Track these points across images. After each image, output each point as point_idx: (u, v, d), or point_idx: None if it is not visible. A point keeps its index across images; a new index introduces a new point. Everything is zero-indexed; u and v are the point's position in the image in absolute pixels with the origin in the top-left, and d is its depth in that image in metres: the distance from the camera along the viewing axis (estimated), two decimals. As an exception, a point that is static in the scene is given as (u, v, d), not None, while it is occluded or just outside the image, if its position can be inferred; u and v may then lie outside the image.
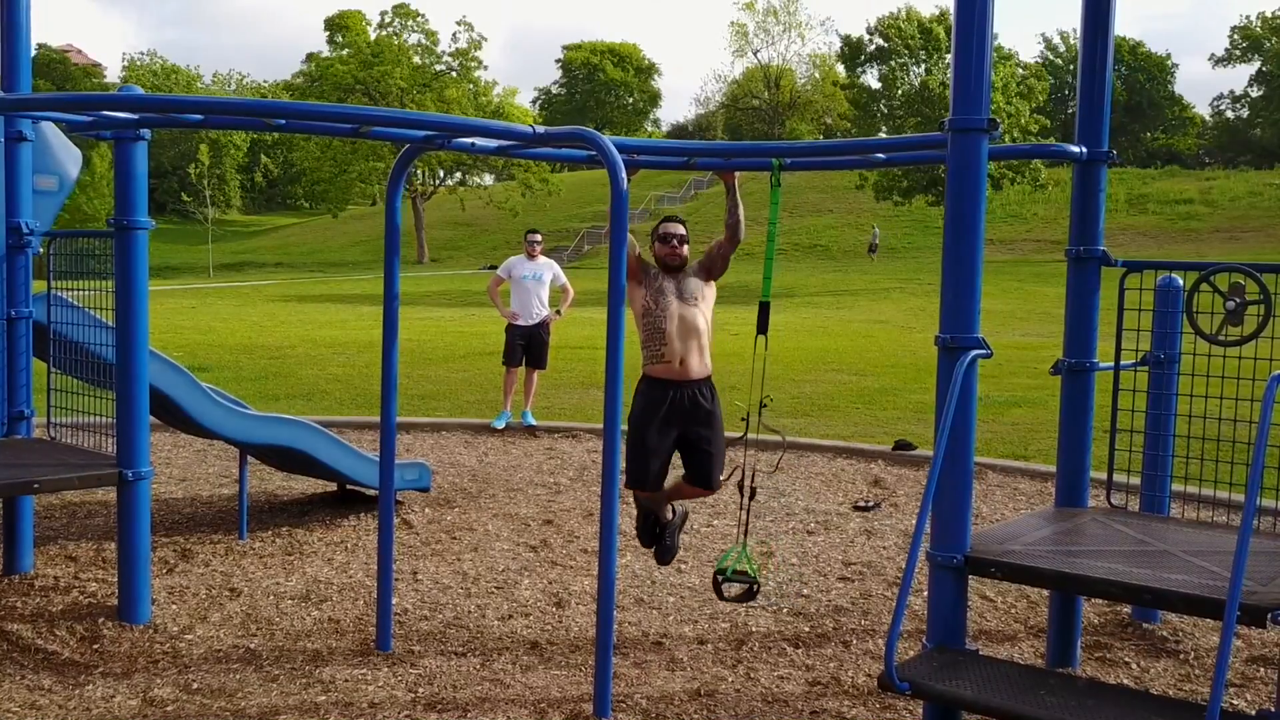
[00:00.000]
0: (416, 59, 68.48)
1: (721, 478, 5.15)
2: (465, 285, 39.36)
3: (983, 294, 3.91)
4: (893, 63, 51.91)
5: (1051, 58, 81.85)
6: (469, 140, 5.08)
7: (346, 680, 4.69)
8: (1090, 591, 4.10)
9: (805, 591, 5.97)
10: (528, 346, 11.13)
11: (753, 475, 4.90)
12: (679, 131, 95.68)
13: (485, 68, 75.93)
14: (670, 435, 4.98)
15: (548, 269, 11.30)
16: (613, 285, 4.34)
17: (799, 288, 36.25)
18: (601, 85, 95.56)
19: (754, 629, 5.38)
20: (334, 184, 65.68)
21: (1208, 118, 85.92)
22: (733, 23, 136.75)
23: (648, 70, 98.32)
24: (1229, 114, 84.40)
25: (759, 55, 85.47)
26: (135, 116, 4.96)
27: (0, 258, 5.79)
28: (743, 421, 4.87)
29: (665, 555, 5.41)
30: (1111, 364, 4.90)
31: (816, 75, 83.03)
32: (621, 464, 4.59)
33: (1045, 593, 5.44)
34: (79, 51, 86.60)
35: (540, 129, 4.69)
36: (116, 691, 4.53)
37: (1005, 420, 11.38)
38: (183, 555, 6.49)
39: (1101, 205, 4.81)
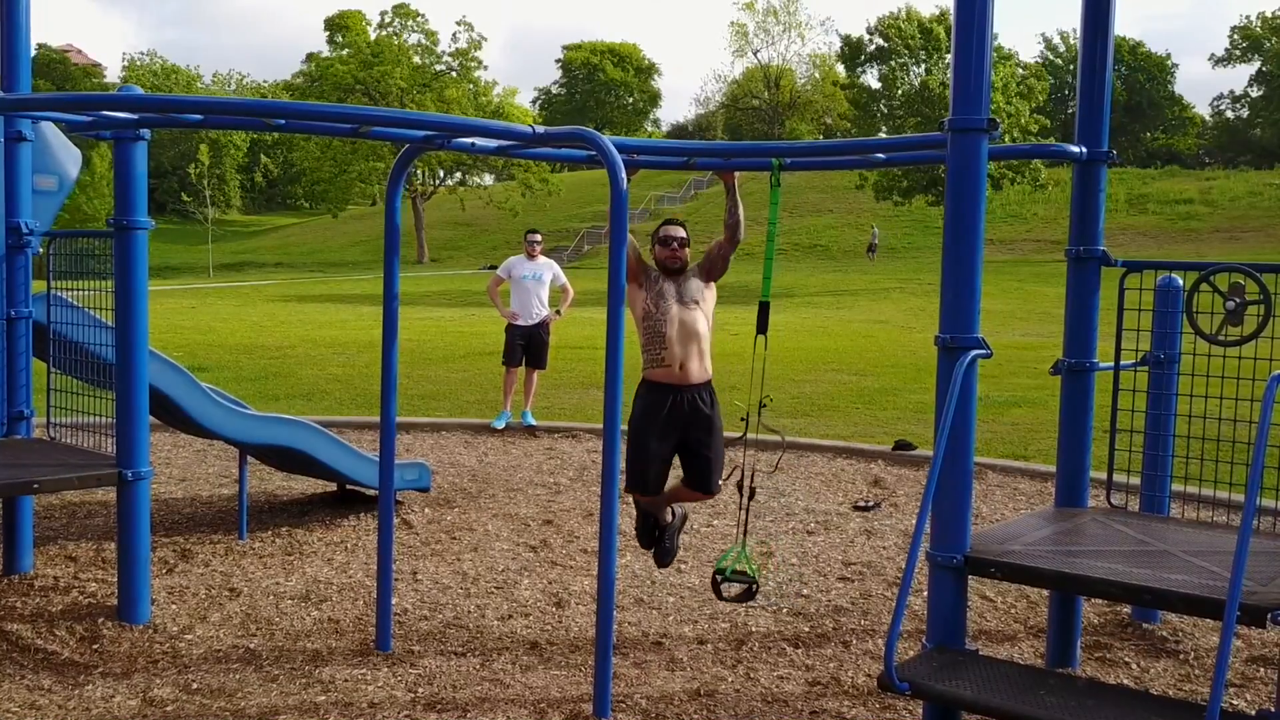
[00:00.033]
0: (416, 59, 68.51)
1: (721, 479, 5.15)
2: (465, 285, 39.36)
3: (983, 294, 3.91)
4: (893, 63, 51.93)
5: (1051, 58, 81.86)
6: (469, 140, 5.08)
7: (346, 680, 4.69)
8: (1090, 591, 4.10)
9: (805, 591, 5.97)
10: (527, 346, 11.13)
11: (752, 475, 4.90)
12: (679, 131, 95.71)
13: (485, 68, 76.01)
14: (670, 440, 4.98)
15: (548, 269, 11.30)
16: (613, 285, 4.34)
17: (799, 288, 36.25)
18: (601, 85, 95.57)
19: (754, 629, 5.38)
20: (334, 184, 65.70)
21: (1208, 118, 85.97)
22: (733, 23, 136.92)
23: (648, 70, 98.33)
24: (1229, 114, 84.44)
25: (759, 55, 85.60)
26: (135, 116, 4.96)
27: (0, 258, 5.79)
28: (742, 421, 4.87)
29: (665, 557, 5.41)
30: (1111, 364, 4.90)
31: (816, 75, 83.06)
32: (621, 464, 4.59)
33: (1045, 593, 5.44)
34: (79, 51, 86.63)
35: (540, 129, 4.69)
36: (116, 691, 4.53)
37: (1005, 420, 11.38)
38: (182, 555, 6.49)
39: (1101, 205, 4.81)
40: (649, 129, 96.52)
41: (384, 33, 69.29)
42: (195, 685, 4.61)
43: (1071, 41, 79.87)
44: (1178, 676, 4.82)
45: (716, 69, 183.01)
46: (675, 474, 5.19)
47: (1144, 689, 4.62)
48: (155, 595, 5.61)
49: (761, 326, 5.01)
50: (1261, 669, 4.86)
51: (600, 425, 4.50)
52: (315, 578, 6.12)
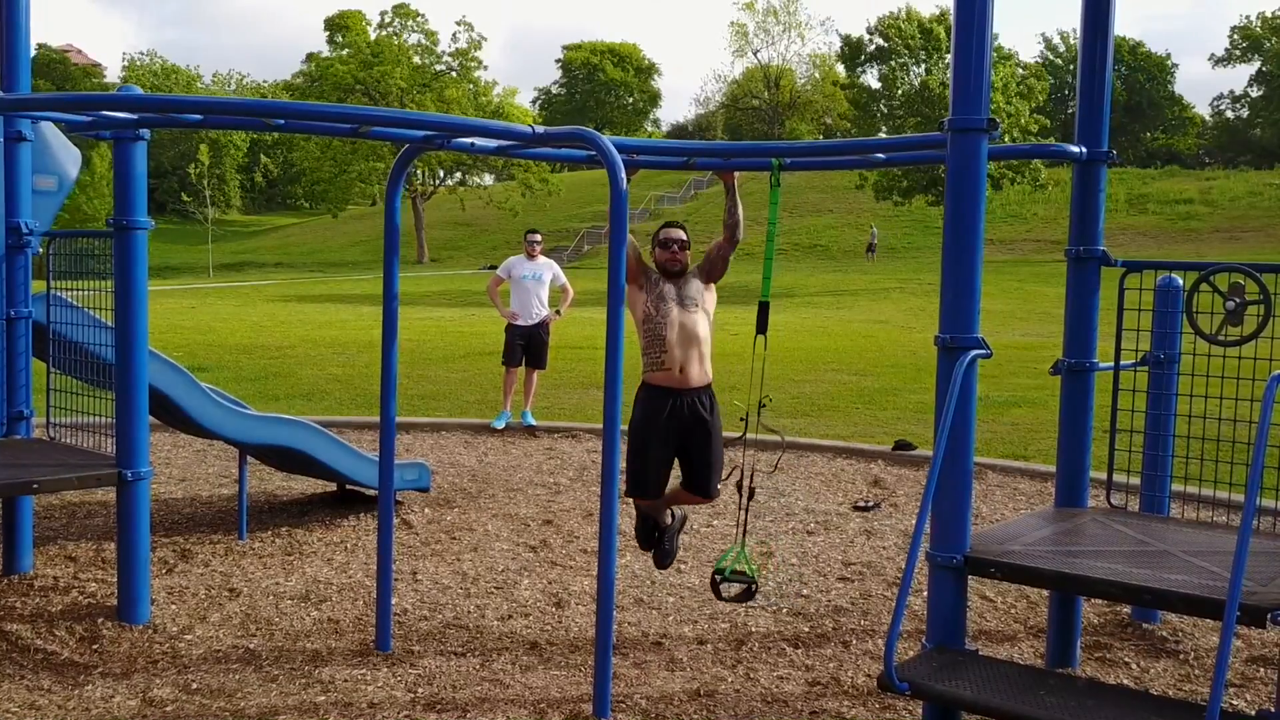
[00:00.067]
0: (416, 59, 68.51)
1: (721, 479, 5.15)
2: (465, 285, 39.36)
3: (983, 294, 3.91)
4: (893, 63, 51.93)
5: (1051, 58, 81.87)
6: (468, 140, 5.08)
7: (346, 680, 4.69)
8: (1090, 592, 4.10)
9: (805, 592, 5.97)
10: (527, 346, 11.13)
11: (752, 475, 4.90)
12: (679, 131, 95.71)
13: (485, 68, 75.99)
14: (670, 445, 4.97)
15: (547, 269, 11.30)
16: (612, 285, 4.34)
17: (799, 288, 36.25)
18: (601, 85, 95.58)
19: (753, 629, 5.38)
20: (334, 184, 65.70)
21: (1208, 118, 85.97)
22: (733, 23, 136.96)
23: (648, 70, 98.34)
24: (1229, 114, 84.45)
25: (759, 55, 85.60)
26: (134, 116, 4.96)
27: (0, 257, 5.79)
28: (742, 421, 4.86)
29: (664, 559, 5.41)
30: (1111, 364, 4.90)
31: (816, 75, 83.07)
32: (621, 464, 4.59)
33: (1045, 593, 5.44)
34: (79, 51, 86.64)
35: (540, 129, 4.69)
36: (116, 692, 4.53)
37: (1005, 420, 11.38)
38: (182, 555, 6.48)
39: (1101, 205, 4.81)
40: (649, 129, 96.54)
41: (384, 33, 69.30)
42: (195, 685, 4.61)
43: (1071, 41, 79.88)
44: (1178, 676, 4.82)
45: (716, 69, 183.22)
46: (675, 476, 5.19)
47: (1144, 689, 4.62)
48: (155, 595, 5.61)
49: (761, 326, 5.01)
50: (1261, 669, 4.86)
51: (600, 425, 4.49)
52: (315, 578, 6.12)
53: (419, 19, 69.80)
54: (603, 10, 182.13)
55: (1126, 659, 4.99)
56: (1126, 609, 5.56)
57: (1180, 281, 5.18)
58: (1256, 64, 79.60)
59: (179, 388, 6.25)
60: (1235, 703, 4.51)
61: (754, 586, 4.96)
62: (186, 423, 6.67)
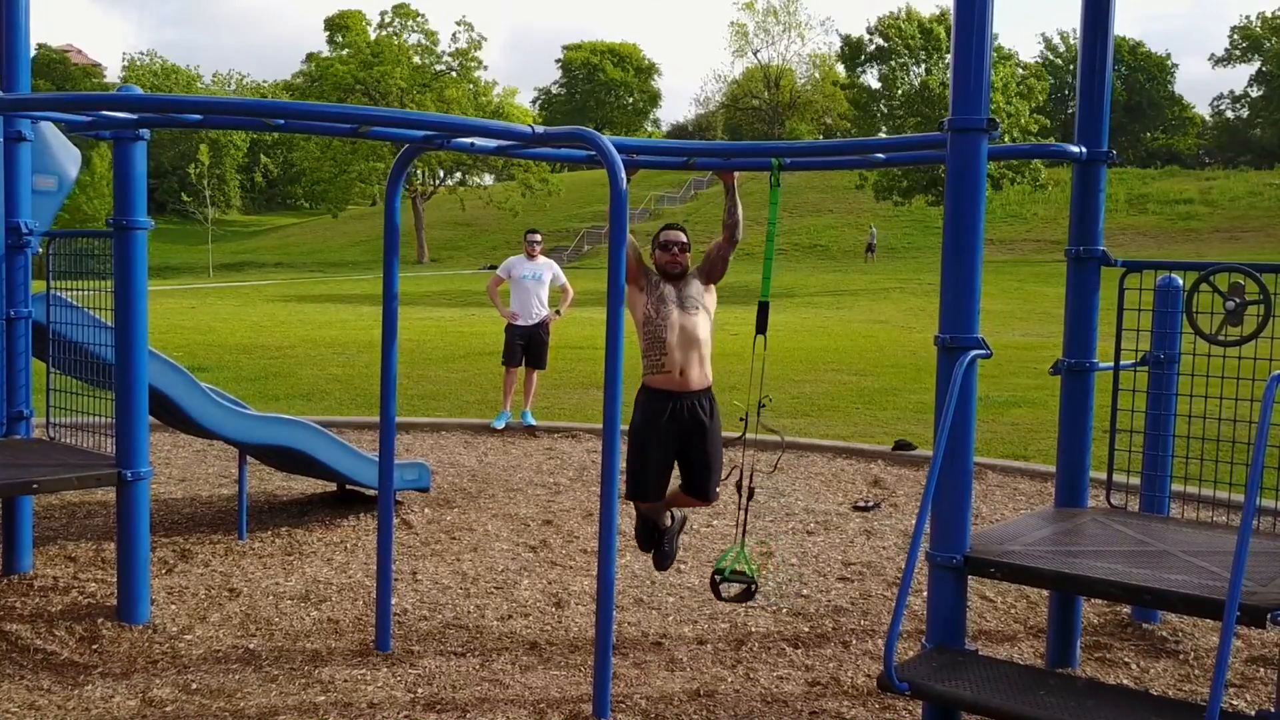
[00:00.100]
0: (416, 59, 68.51)
1: (721, 479, 5.14)
2: (465, 285, 39.36)
3: (983, 294, 3.91)
4: (893, 63, 51.92)
5: (1051, 58, 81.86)
6: (468, 140, 5.08)
7: (346, 680, 4.69)
8: (1090, 592, 4.10)
9: (805, 592, 5.97)
10: (527, 346, 11.13)
11: (751, 475, 4.90)
12: (679, 131, 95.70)
13: (485, 68, 75.97)
14: (670, 448, 4.96)
15: (547, 269, 11.30)
16: (612, 285, 4.34)
17: (799, 288, 36.24)
18: (601, 85, 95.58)
19: (753, 629, 5.38)
20: (334, 184, 65.70)
21: (1208, 118, 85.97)
22: (733, 23, 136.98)
23: (648, 70, 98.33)
24: (1229, 114, 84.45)
25: (759, 55, 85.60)
26: (134, 116, 4.96)
27: (0, 257, 5.79)
28: (741, 421, 4.86)
29: (664, 561, 5.41)
30: (1111, 364, 4.90)
31: (816, 75, 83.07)
32: (621, 465, 4.59)
33: (1045, 593, 5.44)
34: (79, 51, 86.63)
35: (539, 129, 4.69)
36: (115, 692, 4.53)
37: (1005, 420, 11.38)
38: (182, 555, 6.48)
39: (1101, 205, 4.81)
40: (649, 129, 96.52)
41: (384, 33, 69.29)
42: (195, 685, 4.61)
43: (1071, 41, 79.88)
44: (1178, 676, 4.82)
45: (716, 69, 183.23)
46: (675, 478, 5.18)
47: (1144, 689, 4.62)
48: (155, 595, 5.61)
49: (761, 326, 5.00)
50: (1261, 669, 4.86)
51: (600, 425, 4.49)
52: (315, 578, 6.12)
53: (419, 19, 69.82)
54: (603, 10, 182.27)
55: (1126, 659, 4.99)
56: (1126, 609, 5.56)
57: (1180, 281, 5.18)
58: (1256, 64, 79.61)
59: (179, 388, 6.25)
60: (1235, 703, 4.51)
61: (754, 586, 4.96)
62: (186, 423, 6.67)
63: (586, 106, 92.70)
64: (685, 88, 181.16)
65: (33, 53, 6.32)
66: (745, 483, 4.89)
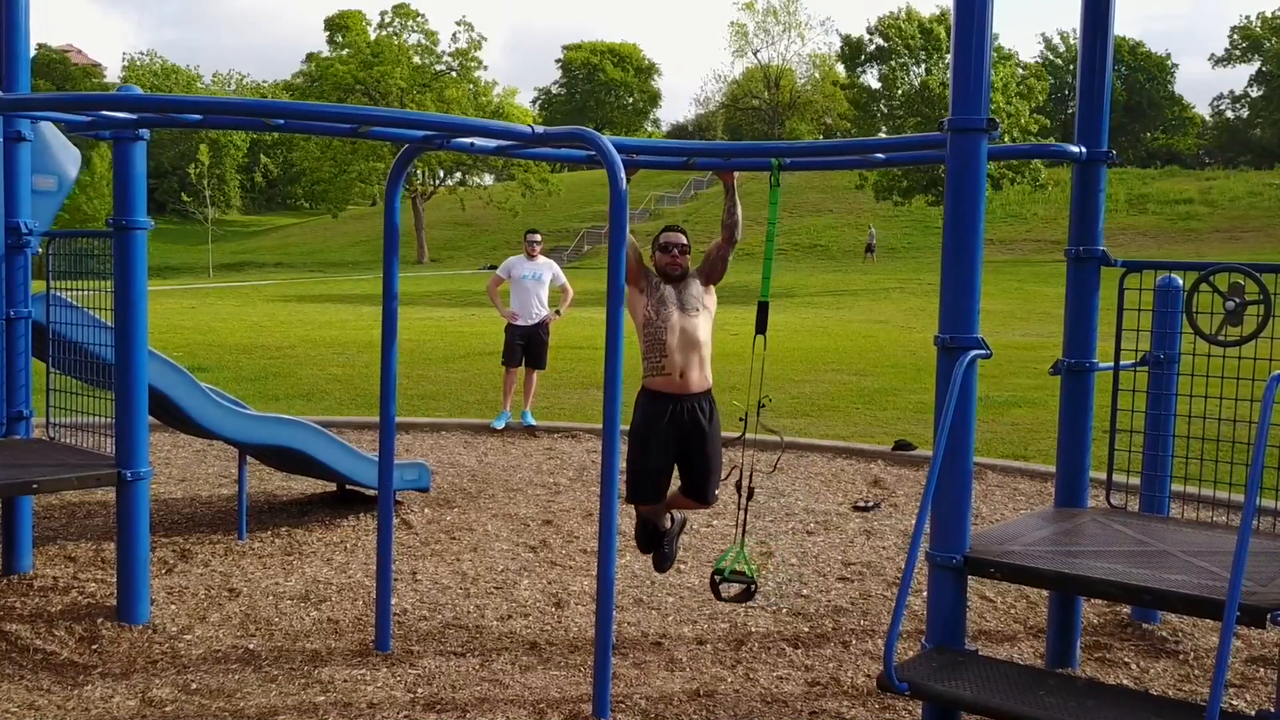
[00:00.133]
0: (416, 59, 68.50)
1: (720, 479, 5.14)
2: (465, 285, 39.35)
3: (983, 294, 3.91)
4: (893, 63, 51.92)
5: (1051, 58, 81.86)
6: (468, 140, 5.08)
7: (345, 680, 4.69)
8: (1090, 592, 4.10)
9: (804, 592, 5.97)
10: (527, 346, 11.13)
11: (751, 476, 4.89)
12: (679, 131, 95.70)
13: (485, 68, 75.97)
14: (670, 451, 4.94)
15: (547, 269, 11.30)
16: (612, 286, 4.34)
17: (799, 288, 36.24)
18: (601, 85, 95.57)
19: (753, 629, 5.38)
20: (334, 184, 65.70)
21: (1208, 118, 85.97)
22: (733, 23, 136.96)
23: (648, 70, 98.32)
24: (1229, 114, 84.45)
25: (759, 55, 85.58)
26: (134, 116, 4.96)
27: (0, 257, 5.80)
28: (741, 421, 4.86)
29: (664, 562, 5.40)
30: (1111, 364, 4.90)
31: (816, 75, 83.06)
32: (621, 465, 4.59)
33: (1045, 593, 5.44)
34: (79, 51, 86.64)
35: (539, 129, 4.68)
36: (115, 692, 4.53)
37: (1005, 420, 11.38)
38: (182, 555, 6.48)
39: (1101, 205, 4.81)
40: (649, 129, 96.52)
41: (384, 33, 69.29)
42: (194, 685, 4.61)
43: (1071, 41, 79.88)
44: (1177, 677, 4.82)
45: (716, 69, 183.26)
46: (674, 480, 5.18)
47: (1144, 689, 4.62)
48: (154, 595, 5.61)
49: (761, 326, 5.00)
50: (1261, 669, 4.86)
51: (600, 426, 4.49)
52: (315, 578, 6.12)
53: (419, 19, 69.82)
54: (603, 10, 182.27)
55: (1126, 659, 4.99)
56: (1126, 609, 5.55)
57: (1180, 281, 5.18)
58: (1256, 64, 79.61)
59: (179, 388, 6.25)
60: (1235, 703, 4.51)
61: (753, 586, 4.96)
62: (186, 423, 6.67)
63: (586, 106, 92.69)
64: (685, 88, 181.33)
65: (33, 53, 6.32)
66: (745, 483, 4.89)
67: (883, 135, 48.45)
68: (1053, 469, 5.33)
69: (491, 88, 68.35)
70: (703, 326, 4.90)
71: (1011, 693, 3.56)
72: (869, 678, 4.76)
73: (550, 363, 11.71)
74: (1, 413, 5.93)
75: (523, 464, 9.37)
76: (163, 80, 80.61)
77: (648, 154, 5.59)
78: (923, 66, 50.86)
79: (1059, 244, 24.13)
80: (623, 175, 4.33)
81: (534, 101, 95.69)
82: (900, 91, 51.19)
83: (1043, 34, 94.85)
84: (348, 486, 7.87)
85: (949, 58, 3.93)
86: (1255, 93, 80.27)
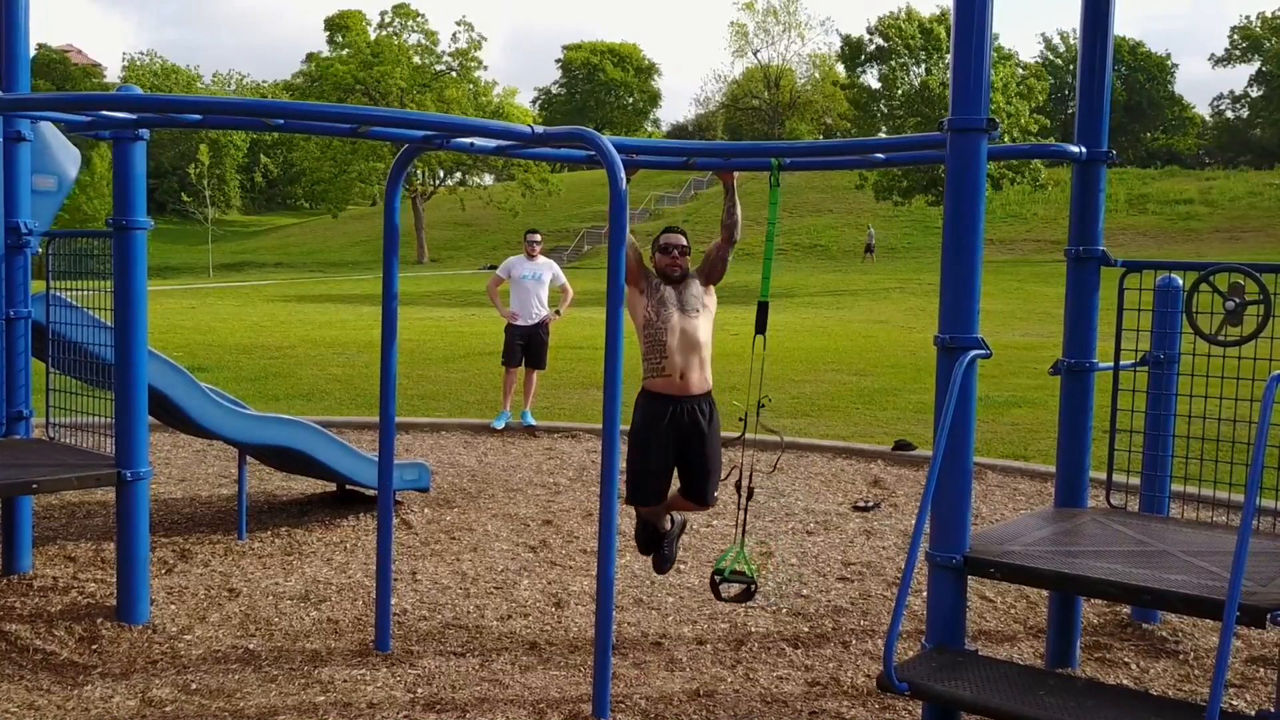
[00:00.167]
0: (416, 59, 68.51)
1: (717, 488, 5.13)
2: (465, 285, 39.35)
3: (982, 294, 3.91)
4: (893, 63, 51.90)
5: (1051, 58, 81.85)
6: (468, 140, 5.08)
7: (345, 680, 4.69)
8: (1090, 592, 4.10)
9: (804, 592, 5.97)
10: (527, 346, 11.13)
11: (750, 476, 4.89)
12: (679, 131, 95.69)
13: (485, 68, 75.97)
14: (670, 453, 4.94)
15: (547, 269, 11.30)
16: (612, 286, 4.34)
17: (799, 288, 36.24)
18: (601, 85, 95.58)
19: (753, 629, 5.38)
20: (334, 184, 65.70)
21: (1208, 118, 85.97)
22: (733, 23, 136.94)
23: (648, 70, 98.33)
24: (1229, 114, 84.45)
25: (759, 55, 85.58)
26: (134, 116, 4.96)
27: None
28: (741, 421, 4.85)
29: (664, 564, 5.39)
30: (1111, 364, 4.90)
31: (816, 75, 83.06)
32: (621, 465, 4.58)
33: (1045, 593, 5.44)
34: (79, 51, 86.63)
35: (539, 129, 4.68)
36: (115, 692, 4.53)
37: (1005, 420, 11.38)
38: (181, 555, 6.48)
39: (1101, 205, 4.81)
40: (649, 129, 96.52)
41: (384, 33, 69.29)
42: (194, 685, 4.61)
43: (1071, 41, 79.87)
44: (1177, 677, 4.82)
45: (716, 69, 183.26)
46: (673, 482, 5.18)
47: (1144, 689, 4.62)
48: (154, 595, 5.61)
49: (760, 327, 5.00)
50: (1261, 669, 4.86)
51: (600, 426, 4.49)
52: (314, 578, 6.12)
53: (419, 19, 69.82)
54: (603, 10, 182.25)
55: (1126, 659, 4.99)
56: (1126, 609, 5.55)
57: (1180, 281, 5.18)
58: (1256, 64, 79.61)
59: (179, 388, 6.25)
60: (1235, 703, 4.51)
61: (753, 587, 4.96)
62: (186, 423, 6.67)
63: (586, 106, 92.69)
64: (685, 88, 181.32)
65: (33, 53, 6.32)
66: (745, 483, 4.89)
67: (883, 135, 48.45)
68: (1053, 469, 5.33)
69: (491, 88, 68.36)
70: (703, 327, 4.89)
71: (1011, 693, 3.56)
72: (869, 678, 4.76)
73: (550, 363, 11.72)
74: (1, 413, 5.93)
75: (523, 464, 9.37)
76: (163, 80, 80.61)
77: (648, 154, 5.59)
78: (923, 66, 50.86)
79: (1059, 244, 24.13)
80: (623, 175, 4.32)
81: (534, 101, 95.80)
82: (900, 91, 51.18)
83: (1043, 34, 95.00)
84: (348, 486, 7.87)
85: (949, 58, 3.93)
86: (1255, 93, 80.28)
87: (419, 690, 4.60)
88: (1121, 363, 4.93)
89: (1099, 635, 5.29)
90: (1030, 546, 4.08)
